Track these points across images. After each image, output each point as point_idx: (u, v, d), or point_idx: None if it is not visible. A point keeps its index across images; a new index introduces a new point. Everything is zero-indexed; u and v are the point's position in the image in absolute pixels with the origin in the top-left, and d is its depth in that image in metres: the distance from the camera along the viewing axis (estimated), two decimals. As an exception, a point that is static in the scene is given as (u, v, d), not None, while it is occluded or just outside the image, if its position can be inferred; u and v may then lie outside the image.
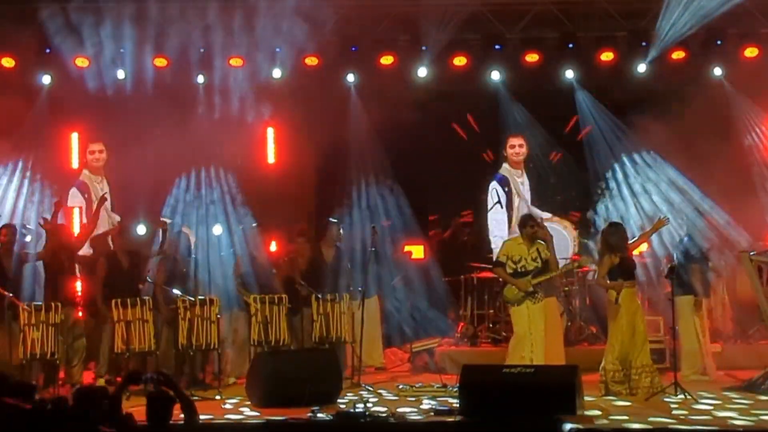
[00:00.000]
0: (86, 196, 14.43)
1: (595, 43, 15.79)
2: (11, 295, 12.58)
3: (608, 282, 12.24)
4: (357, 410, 10.84)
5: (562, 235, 14.19)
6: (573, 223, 14.73)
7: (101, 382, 12.56)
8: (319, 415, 10.84)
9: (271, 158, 16.47)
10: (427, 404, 11.72)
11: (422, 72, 15.74)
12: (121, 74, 15.29)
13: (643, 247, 14.19)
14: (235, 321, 13.57)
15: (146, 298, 12.90)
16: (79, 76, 15.21)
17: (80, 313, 13.14)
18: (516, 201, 14.34)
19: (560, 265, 13.01)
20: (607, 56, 15.69)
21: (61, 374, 12.96)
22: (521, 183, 14.45)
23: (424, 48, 15.65)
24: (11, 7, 14.97)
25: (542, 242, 12.90)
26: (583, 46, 15.81)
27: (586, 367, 11.68)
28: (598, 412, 11.05)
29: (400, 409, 11.30)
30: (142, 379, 7.85)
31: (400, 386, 12.87)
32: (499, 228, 14.14)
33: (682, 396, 11.69)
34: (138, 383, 7.96)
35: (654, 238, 14.05)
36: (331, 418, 10.72)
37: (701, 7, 14.77)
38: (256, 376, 12.07)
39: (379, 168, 16.14)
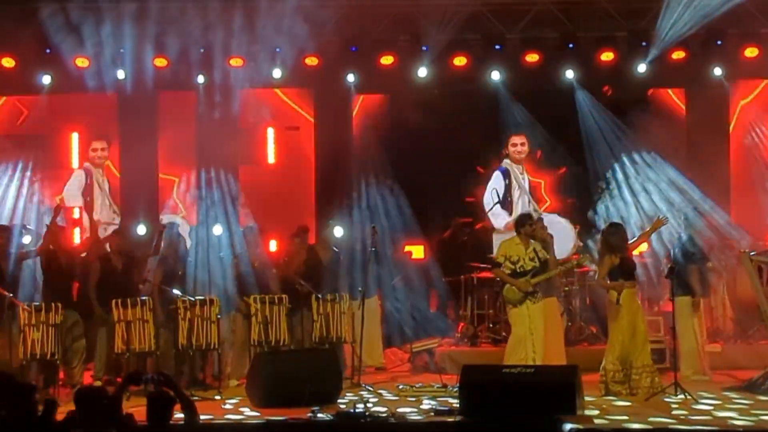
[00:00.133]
0: (89, 181, 14.52)
1: (595, 43, 15.78)
2: (11, 295, 12.59)
3: (609, 282, 12.23)
4: (357, 410, 10.83)
5: (562, 227, 14.19)
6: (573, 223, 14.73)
7: (98, 384, 12.54)
8: (319, 415, 10.84)
9: (271, 158, 16.49)
10: (427, 404, 11.73)
11: (422, 72, 15.74)
12: (121, 74, 15.29)
13: (643, 247, 14.19)
14: (233, 322, 13.55)
15: (146, 298, 12.89)
16: (79, 76, 15.21)
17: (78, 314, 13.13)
18: (517, 194, 14.38)
19: (562, 265, 13.04)
20: (607, 56, 15.68)
21: (61, 375, 12.96)
22: (522, 178, 14.52)
23: (424, 48, 15.65)
24: (11, 7, 14.97)
25: (539, 241, 12.92)
26: (583, 46, 15.80)
27: (586, 367, 11.68)
28: (597, 412, 11.06)
29: (400, 410, 11.30)
30: (143, 379, 7.85)
31: (400, 386, 12.87)
32: (500, 224, 14.20)
33: (682, 396, 11.69)
34: (138, 384, 7.96)
35: (654, 238, 14.05)
36: (332, 418, 10.72)
37: (701, 7, 14.77)
38: (256, 376, 12.08)
39: (379, 168, 16.14)
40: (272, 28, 15.02)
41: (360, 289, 13.69)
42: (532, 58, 15.73)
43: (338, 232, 14.79)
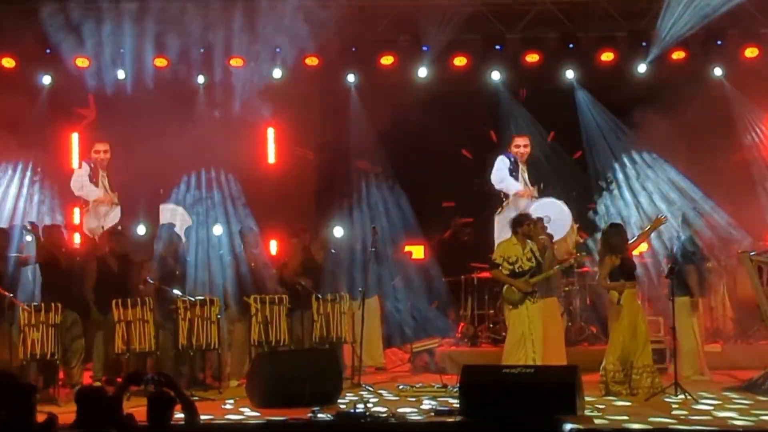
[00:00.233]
0: (92, 166, 14.63)
1: (595, 43, 15.79)
2: (11, 295, 12.59)
3: (610, 283, 12.23)
4: (357, 410, 10.83)
5: (559, 209, 14.25)
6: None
7: (98, 384, 12.54)
8: (319, 415, 10.83)
9: (271, 158, 16.49)
10: (427, 404, 11.73)
11: (422, 72, 15.75)
12: (121, 74, 15.30)
13: (643, 247, 14.19)
14: (230, 322, 13.54)
15: (147, 298, 12.90)
16: (79, 76, 15.22)
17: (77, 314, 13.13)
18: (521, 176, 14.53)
19: (559, 264, 13.07)
20: (607, 56, 15.69)
21: (61, 374, 12.96)
22: (525, 178, 14.62)
23: (424, 48, 15.66)
24: (11, 7, 14.97)
25: (539, 242, 12.96)
26: (583, 46, 15.81)
27: (586, 367, 11.68)
28: (598, 412, 11.06)
29: (400, 410, 11.29)
30: (143, 380, 7.85)
31: (401, 386, 12.87)
32: (506, 231, 14.22)
33: (682, 396, 11.69)
34: (139, 384, 7.96)
35: (654, 238, 14.05)
36: (332, 418, 10.72)
37: (701, 7, 14.77)
38: (256, 376, 12.08)
39: (379, 168, 16.13)
40: (272, 28, 15.04)
41: (360, 289, 13.70)
42: (532, 58, 15.74)
43: (338, 232, 14.81)
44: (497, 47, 15.80)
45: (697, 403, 11.50)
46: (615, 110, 16.14)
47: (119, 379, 13.07)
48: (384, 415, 10.87)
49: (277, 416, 10.84)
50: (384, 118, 15.72)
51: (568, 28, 15.73)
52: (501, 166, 14.63)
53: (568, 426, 9.73)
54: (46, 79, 15.40)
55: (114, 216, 14.53)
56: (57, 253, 13.03)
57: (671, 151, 15.71)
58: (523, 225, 12.80)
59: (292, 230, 14.41)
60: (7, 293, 12.57)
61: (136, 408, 7.71)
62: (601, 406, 11.40)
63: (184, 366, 13.05)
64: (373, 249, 13.76)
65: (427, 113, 15.96)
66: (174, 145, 14.86)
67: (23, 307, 12.41)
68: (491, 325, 14.76)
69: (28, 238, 13.63)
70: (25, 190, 15.05)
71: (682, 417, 10.82)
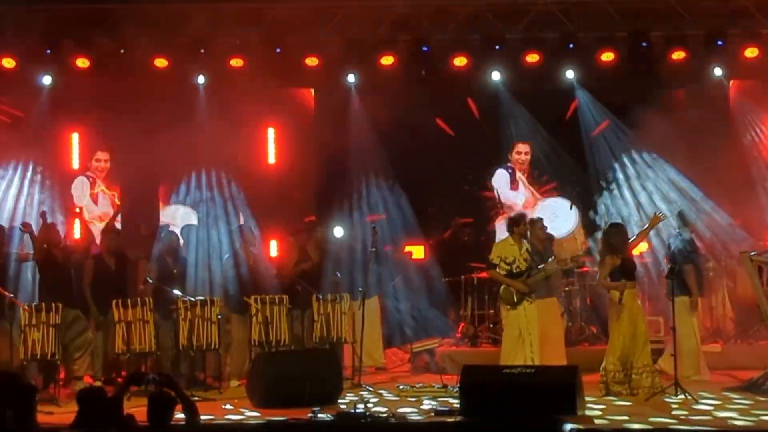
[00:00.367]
0: (92, 179, 14.58)
1: (595, 43, 15.78)
2: (11, 295, 12.59)
3: (612, 283, 12.22)
4: (357, 411, 10.85)
5: (564, 207, 14.27)
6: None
7: (98, 384, 12.55)
8: (319, 415, 10.84)
9: (271, 158, 16.49)
10: (427, 405, 11.73)
11: (422, 72, 15.73)
12: (121, 75, 15.28)
13: (643, 247, 14.19)
14: (227, 322, 13.53)
15: (147, 298, 12.90)
16: (80, 76, 15.21)
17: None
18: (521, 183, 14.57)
19: (559, 263, 13.10)
20: (607, 56, 15.68)
21: (62, 374, 12.97)
22: (525, 183, 14.66)
23: (424, 48, 15.65)
24: (11, 7, 14.96)
25: (540, 242, 12.98)
26: (583, 46, 15.80)
27: (586, 368, 11.68)
28: (598, 412, 11.06)
29: (400, 410, 11.30)
30: (144, 380, 7.85)
31: (401, 387, 12.87)
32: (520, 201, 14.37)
33: (682, 396, 11.69)
34: (140, 384, 7.97)
35: (654, 237, 14.05)
36: (332, 418, 10.72)
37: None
38: (256, 376, 12.08)
39: (379, 168, 16.14)
40: (272, 28, 15.04)
41: (360, 289, 13.70)
42: (532, 58, 15.72)
43: (338, 232, 14.82)
44: (497, 47, 15.79)
45: (697, 403, 11.50)
46: (615, 110, 16.13)
47: (119, 380, 13.10)
48: (384, 415, 10.88)
49: (277, 416, 10.85)
50: (384, 118, 15.72)
51: (568, 28, 15.71)
52: (501, 182, 14.58)
53: (568, 426, 9.71)
54: (47, 80, 15.39)
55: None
56: (54, 252, 13.03)
57: (671, 151, 15.71)
58: (520, 225, 12.82)
59: (288, 230, 14.41)
60: (7, 293, 12.57)
61: (137, 408, 7.72)
62: (601, 406, 11.40)
63: (184, 366, 13.06)
64: (373, 249, 13.77)
65: (427, 113, 15.96)
66: (174, 145, 14.86)
67: (23, 307, 12.42)
68: (491, 325, 14.76)
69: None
70: (25, 190, 15.05)
71: (682, 417, 10.83)
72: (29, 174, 15.18)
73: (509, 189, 14.59)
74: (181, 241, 14.12)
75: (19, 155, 15.24)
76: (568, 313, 14.50)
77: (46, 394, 12.25)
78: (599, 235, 13.46)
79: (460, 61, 15.72)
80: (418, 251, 16.31)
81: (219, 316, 12.97)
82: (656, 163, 15.78)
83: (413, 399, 12.15)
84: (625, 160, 15.89)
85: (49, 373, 12.70)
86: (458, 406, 10.90)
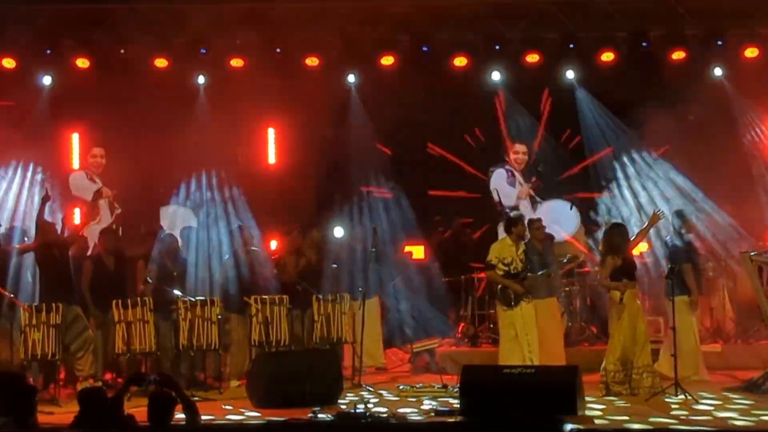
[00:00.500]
0: (88, 175, 14.67)
1: (595, 43, 15.79)
2: (11, 295, 12.59)
3: (612, 283, 12.22)
4: (358, 411, 10.84)
5: (565, 209, 14.29)
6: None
7: (98, 384, 12.54)
8: (319, 415, 10.84)
9: (271, 158, 16.49)
10: (427, 405, 11.73)
11: (423, 72, 15.74)
12: (121, 75, 15.28)
13: (643, 246, 14.18)
14: (226, 322, 13.52)
15: (147, 298, 12.90)
16: (80, 76, 15.21)
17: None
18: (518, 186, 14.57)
19: (556, 264, 13.15)
20: (607, 56, 15.69)
21: (62, 374, 12.97)
22: (521, 182, 14.67)
23: (424, 48, 15.65)
24: (11, 7, 14.97)
25: (540, 242, 12.99)
26: (583, 46, 15.81)
27: (586, 368, 11.68)
28: (598, 412, 11.06)
29: (400, 410, 11.31)
30: (145, 380, 7.86)
31: (401, 387, 12.87)
32: (513, 197, 14.37)
33: (682, 396, 11.69)
34: (140, 385, 7.97)
35: (655, 238, 14.04)
36: (332, 418, 10.72)
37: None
38: (256, 376, 12.08)
39: (379, 168, 16.14)
40: (272, 28, 15.04)
41: (360, 289, 13.70)
42: (532, 58, 15.74)
43: (338, 232, 14.82)
44: (497, 47, 15.80)
45: (697, 403, 11.50)
46: (615, 110, 16.13)
47: (120, 380, 13.11)
48: (384, 415, 10.88)
49: (277, 416, 10.85)
50: (384, 118, 15.73)
51: (568, 28, 15.72)
52: (499, 181, 14.59)
53: (568, 426, 9.71)
54: (47, 80, 15.40)
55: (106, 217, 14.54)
56: (54, 250, 13.03)
57: (671, 150, 15.72)
58: (518, 225, 12.82)
59: (283, 230, 14.43)
60: (7, 293, 12.57)
61: (137, 408, 7.72)
62: (601, 406, 11.40)
63: (184, 366, 13.06)
64: (373, 249, 13.77)
65: (427, 113, 15.96)
66: (174, 145, 14.87)
67: (24, 307, 12.41)
68: (491, 325, 14.75)
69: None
70: (25, 191, 15.04)
71: (682, 417, 10.83)
72: (29, 174, 15.16)
73: (507, 188, 14.57)
74: (181, 242, 14.11)
75: (19, 155, 15.22)
76: (568, 313, 14.50)
77: (46, 394, 12.25)
78: (599, 234, 13.46)
79: (460, 61, 15.74)
80: (418, 251, 16.31)
81: (219, 316, 12.97)
82: (656, 163, 15.78)
83: (413, 399, 12.15)
84: (625, 159, 15.89)
85: (49, 373, 12.70)
86: (458, 406, 10.91)
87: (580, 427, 9.72)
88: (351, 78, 16.06)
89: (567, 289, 14.59)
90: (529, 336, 12.54)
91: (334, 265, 14.28)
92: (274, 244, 15.40)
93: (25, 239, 13.65)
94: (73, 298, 12.89)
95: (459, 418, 10.66)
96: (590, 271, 14.72)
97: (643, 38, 15.60)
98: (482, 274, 14.64)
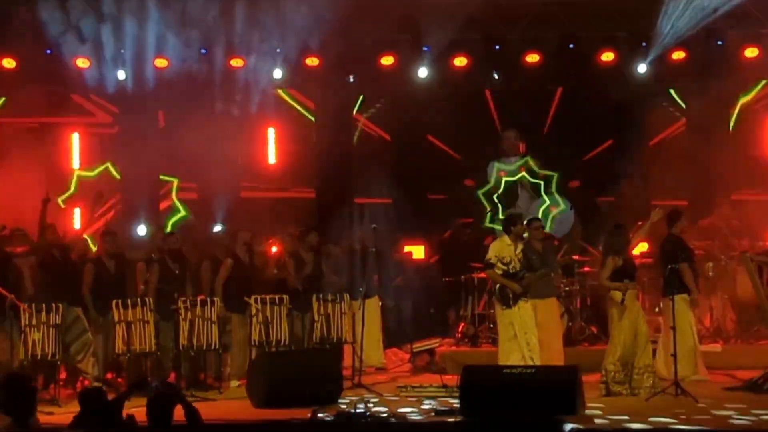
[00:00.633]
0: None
1: (595, 43, 15.80)
2: (12, 296, 12.59)
3: (613, 283, 12.21)
4: (358, 411, 10.85)
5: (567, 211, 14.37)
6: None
7: (98, 384, 12.53)
8: (319, 415, 10.83)
9: (271, 158, 16.50)
10: (427, 405, 11.73)
11: (423, 72, 15.76)
12: (121, 74, 15.30)
13: (644, 246, 14.18)
14: (227, 322, 13.51)
15: (147, 299, 12.90)
16: (79, 76, 15.22)
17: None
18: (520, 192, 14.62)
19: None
20: (607, 56, 15.69)
21: (63, 374, 12.97)
22: (517, 170, 14.73)
23: (424, 48, 15.67)
24: (11, 7, 14.97)
25: (539, 241, 13.01)
26: (582, 46, 15.82)
27: (586, 367, 11.68)
28: (598, 412, 11.07)
29: (400, 410, 11.30)
30: (148, 388, 7.85)
31: (401, 387, 12.86)
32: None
33: (682, 396, 11.68)
34: (143, 392, 7.96)
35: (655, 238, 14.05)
36: (332, 418, 10.72)
37: (701, 7, 14.77)
38: (256, 376, 12.08)
39: (379, 168, 16.15)
40: (273, 28, 15.05)
41: (360, 289, 13.70)
42: (532, 58, 15.75)
43: (338, 232, 14.83)
44: (497, 47, 15.81)
45: (697, 403, 11.49)
46: (615, 110, 16.13)
47: (120, 380, 13.11)
48: (384, 415, 10.88)
49: (277, 416, 10.84)
50: (384, 118, 15.72)
51: (568, 28, 15.73)
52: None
53: (568, 426, 9.72)
54: (47, 79, 15.39)
55: None
56: (55, 251, 13.03)
57: (671, 150, 15.72)
58: (517, 225, 12.82)
59: (282, 231, 14.44)
60: (7, 294, 12.57)
61: (137, 408, 7.72)
62: (601, 406, 11.41)
63: (184, 366, 13.06)
64: (373, 249, 13.76)
65: (427, 113, 15.97)
66: (174, 145, 14.87)
67: (24, 307, 12.41)
68: (491, 325, 14.73)
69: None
70: (25, 191, 15.03)
71: (682, 417, 10.82)
72: (29, 174, 15.16)
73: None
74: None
75: (19, 155, 15.22)
76: (568, 313, 14.50)
77: (46, 394, 12.25)
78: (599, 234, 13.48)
79: (460, 61, 15.74)
80: (418, 251, 16.32)
81: (219, 316, 12.97)
82: (656, 163, 15.78)
83: (413, 399, 12.15)
84: (625, 159, 15.89)
85: (50, 373, 12.69)
86: (458, 406, 10.90)
87: (580, 427, 9.72)
88: (351, 78, 16.06)
89: (567, 289, 14.59)
90: (528, 335, 12.54)
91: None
92: (273, 245, 15.40)
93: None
94: (74, 300, 12.88)
95: (459, 418, 10.66)
96: (590, 271, 14.72)
97: (643, 38, 15.60)
98: (481, 274, 14.66)
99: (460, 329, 15.06)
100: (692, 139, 16.06)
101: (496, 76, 15.97)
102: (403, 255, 15.94)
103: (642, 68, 15.66)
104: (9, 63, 15.16)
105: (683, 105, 16.36)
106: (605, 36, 15.82)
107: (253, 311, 13.16)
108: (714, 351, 13.71)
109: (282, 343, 13.22)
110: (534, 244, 13.13)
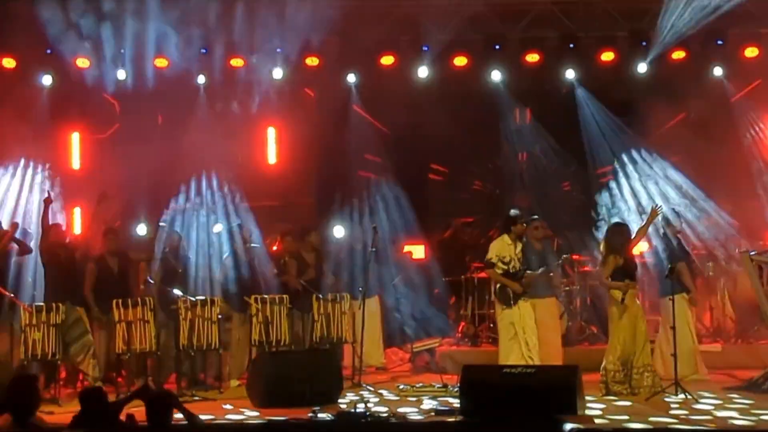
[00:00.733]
0: None
1: (595, 43, 15.80)
2: (12, 295, 12.59)
3: (614, 283, 12.21)
4: (358, 410, 10.85)
5: None
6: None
7: (99, 384, 12.53)
8: (320, 415, 10.84)
9: (271, 158, 16.50)
10: (427, 404, 11.73)
11: (423, 72, 15.76)
12: (121, 74, 15.30)
13: (644, 246, 14.18)
14: (227, 322, 13.51)
15: (147, 298, 12.90)
16: (79, 76, 15.22)
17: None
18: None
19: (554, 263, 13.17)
20: (607, 56, 15.70)
21: (63, 374, 12.97)
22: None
23: (424, 48, 15.67)
24: (11, 7, 14.96)
25: (540, 241, 13.01)
26: (583, 46, 15.82)
27: (586, 367, 11.67)
28: (598, 412, 11.07)
29: (400, 410, 11.30)
30: (150, 395, 7.85)
31: (401, 386, 12.87)
32: None
33: (682, 396, 11.69)
34: (145, 400, 7.95)
35: (654, 236, 14.04)
36: (332, 418, 10.72)
37: (701, 7, 14.78)
38: (256, 376, 12.09)
39: (379, 168, 16.14)
40: (273, 28, 15.04)
41: (360, 289, 13.70)
42: (532, 58, 15.75)
43: (338, 232, 14.81)
44: (497, 47, 15.81)
45: (697, 402, 11.50)
46: (615, 110, 16.14)
47: (120, 379, 13.11)
48: (384, 415, 10.88)
49: (277, 416, 10.85)
50: (384, 118, 15.72)
51: (568, 28, 15.73)
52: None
53: (568, 426, 9.72)
54: (47, 80, 15.40)
55: None
56: (59, 251, 13.03)
57: (671, 150, 15.72)
58: (517, 224, 12.83)
59: (282, 231, 14.45)
60: (8, 293, 12.58)
61: (137, 408, 7.72)
62: (601, 406, 11.41)
63: (185, 366, 13.06)
64: (373, 249, 13.77)
65: (427, 113, 15.96)
66: (174, 145, 14.87)
67: (24, 307, 12.41)
68: (491, 325, 14.74)
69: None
70: (25, 191, 15.04)
71: (682, 417, 10.83)
72: (30, 174, 15.16)
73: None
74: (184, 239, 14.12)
75: (19, 155, 15.22)
76: (568, 313, 14.50)
77: (46, 394, 12.23)
78: (600, 234, 13.47)
79: (460, 61, 15.74)
80: (418, 251, 16.32)
81: (219, 316, 12.97)
82: (656, 163, 15.78)
83: (413, 399, 12.16)
84: (625, 159, 15.90)
85: (50, 373, 12.69)
86: (458, 406, 10.90)
87: (580, 426, 9.72)
88: (351, 78, 16.06)
89: (567, 289, 14.59)
90: (527, 334, 12.54)
91: (332, 273, 14.27)
92: (273, 245, 15.39)
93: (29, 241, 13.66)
94: (77, 300, 12.89)
95: (459, 418, 10.66)
96: (590, 271, 14.71)
97: (643, 38, 15.60)
98: (482, 274, 14.66)
99: (460, 329, 15.07)
100: (692, 138, 16.05)
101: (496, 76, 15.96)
102: (403, 255, 15.95)
103: (642, 68, 15.68)
104: (9, 63, 15.15)
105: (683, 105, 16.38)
106: (605, 36, 15.82)
107: (253, 311, 13.17)
108: (714, 351, 13.72)
109: (282, 343, 13.23)
110: (533, 244, 13.13)
